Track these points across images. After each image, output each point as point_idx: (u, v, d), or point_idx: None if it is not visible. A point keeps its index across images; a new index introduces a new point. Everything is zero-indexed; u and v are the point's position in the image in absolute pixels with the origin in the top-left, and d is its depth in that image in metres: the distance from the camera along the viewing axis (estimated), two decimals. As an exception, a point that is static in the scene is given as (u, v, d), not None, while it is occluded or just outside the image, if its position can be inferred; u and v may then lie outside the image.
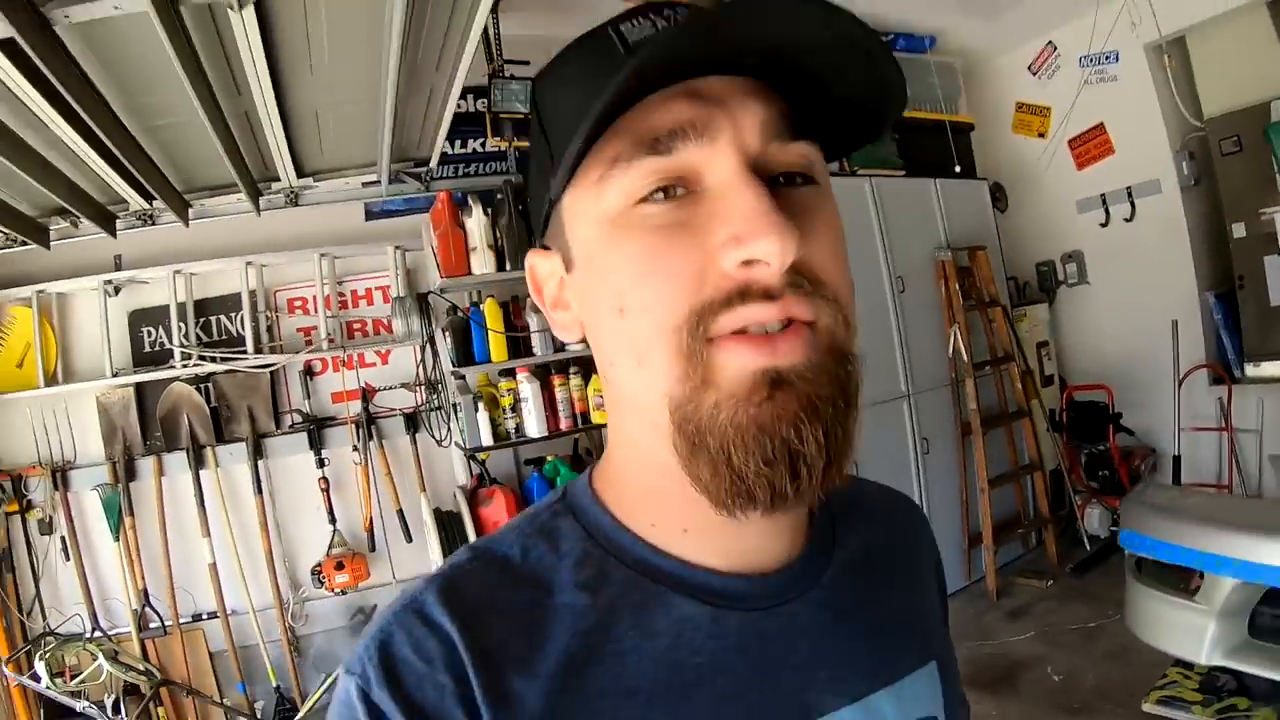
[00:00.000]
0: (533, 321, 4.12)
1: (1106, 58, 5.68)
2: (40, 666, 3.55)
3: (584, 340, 0.67)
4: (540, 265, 0.68)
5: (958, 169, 6.08)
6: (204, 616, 4.27)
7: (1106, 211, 6.09)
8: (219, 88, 2.51)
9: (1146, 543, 2.50)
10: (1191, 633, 2.33)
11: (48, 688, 3.55)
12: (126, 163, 2.83)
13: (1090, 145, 6.16)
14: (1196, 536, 2.30)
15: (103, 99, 2.36)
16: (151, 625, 4.14)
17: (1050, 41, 6.06)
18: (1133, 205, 5.93)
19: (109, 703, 3.79)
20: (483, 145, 4.61)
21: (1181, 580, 2.43)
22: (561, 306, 0.67)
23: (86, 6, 1.78)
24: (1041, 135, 6.06)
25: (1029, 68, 6.38)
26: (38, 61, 1.93)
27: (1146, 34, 5.40)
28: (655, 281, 0.55)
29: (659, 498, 0.64)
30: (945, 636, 0.80)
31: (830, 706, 0.64)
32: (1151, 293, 5.80)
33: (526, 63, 4.23)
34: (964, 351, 5.21)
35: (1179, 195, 5.68)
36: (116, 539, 4.10)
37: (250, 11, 1.88)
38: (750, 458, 0.53)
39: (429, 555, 4.30)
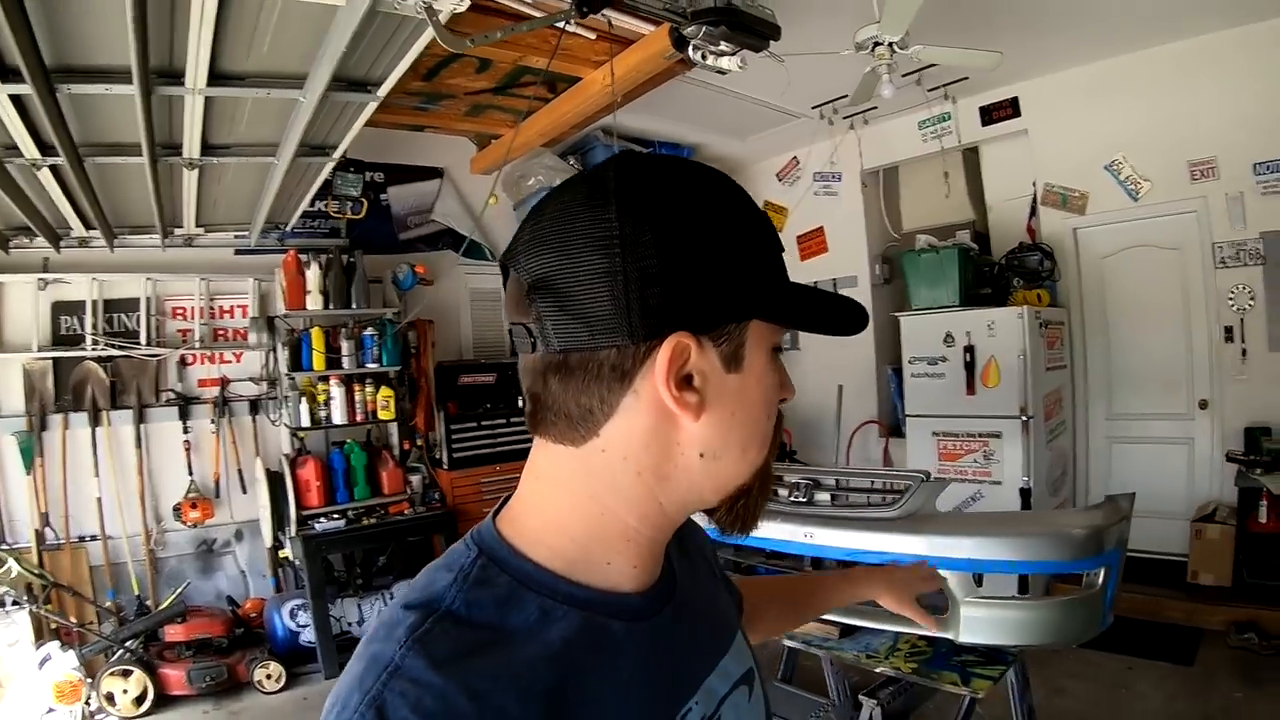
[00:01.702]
0: (344, 346, 6.20)
1: (833, 176, 7.53)
2: (-33, 560, 5.26)
3: (677, 418, 0.75)
4: (694, 352, 0.73)
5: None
6: (88, 539, 5.94)
7: (818, 296, 7.98)
8: (162, 147, 3.80)
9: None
10: None
11: (-27, 575, 5.25)
12: (82, 197, 4.44)
13: (812, 242, 8.14)
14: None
15: (74, 148, 3.67)
16: (48, 542, 5.79)
17: (794, 156, 7.96)
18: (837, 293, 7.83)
19: (12, 596, 5.33)
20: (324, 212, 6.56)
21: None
22: (689, 390, 0.74)
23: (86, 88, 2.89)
24: (779, 230, 7.79)
25: (777, 175, 8.31)
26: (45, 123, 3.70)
27: (868, 162, 7.32)
28: (777, 401, 0.84)
29: (602, 543, 0.79)
30: (735, 610, 1.10)
31: (705, 674, 0.87)
32: (843, 363, 7.74)
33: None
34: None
35: (870, 290, 7.68)
36: (28, 473, 5.76)
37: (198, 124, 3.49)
38: (766, 502, 0.87)
39: (258, 501, 6.17)
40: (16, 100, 3.01)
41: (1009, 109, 6.62)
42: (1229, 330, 5.79)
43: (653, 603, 0.83)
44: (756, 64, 4.63)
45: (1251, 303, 5.64)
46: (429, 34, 2.76)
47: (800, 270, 8.18)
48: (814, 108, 6.58)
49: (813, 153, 7.42)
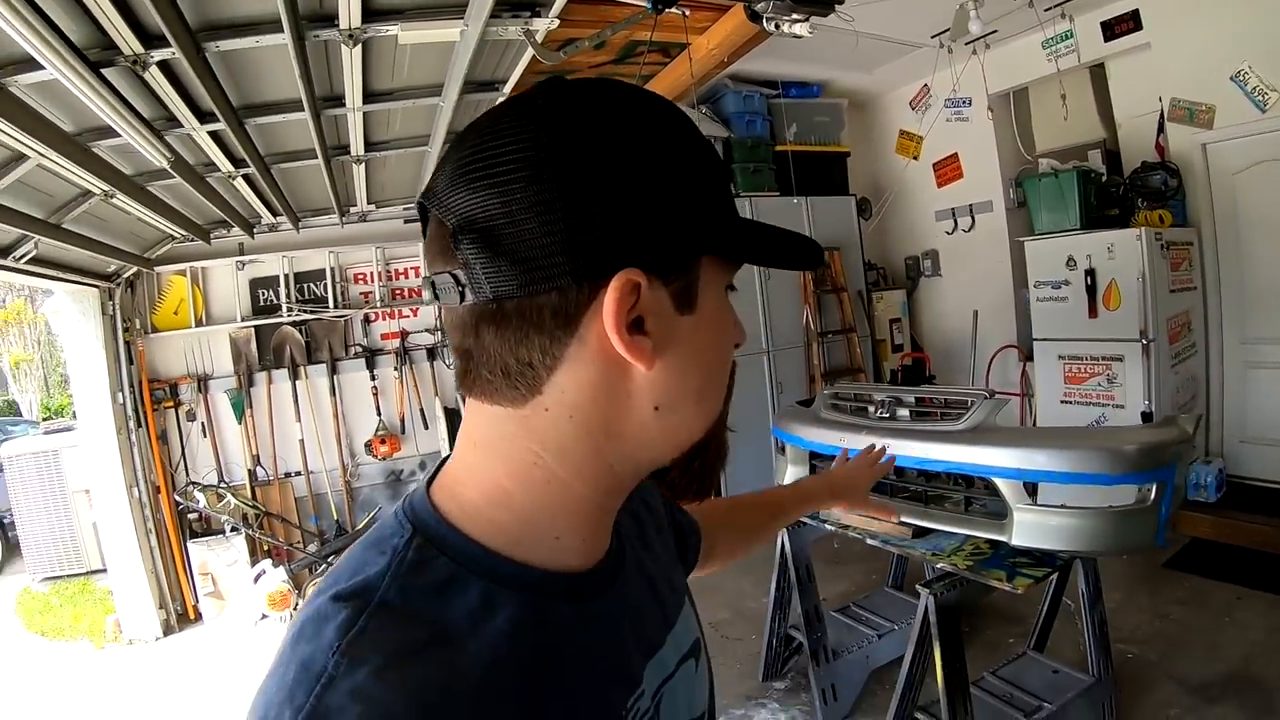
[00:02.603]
0: None
1: (963, 102, 7.60)
2: (199, 495, 6.38)
3: (620, 366, 0.69)
4: (645, 289, 0.67)
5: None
6: (293, 474, 7.09)
7: (955, 221, 8.29)
8: (332, 149, 4.52)
9: (777, 432, 4.69)
10: (784, 472, 4.43)
11: (205, 506, 6.39)
12: (270, 194, 5.33)
13: (947, 169, 8.29)
14: (791, 429, 4.45)
15: (261, 159, 4.51)
16: (259, 479, 6.95)
17: (925, 84, 8.07)
18: (973, 219, 8.13)
19: (231, 523, 6.54)
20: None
21: (781, 449, 4.53)
22: (638, 335, 0.68)
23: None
24: (915, 158, 8.09)
25: (909, 103, 8.47)
26: (230, 138, 4.52)
27: (993, 86, 7.32)
28: (733, 344, 0.79)
29: (548, 513, 0.73)
30: (683, 573, 1.05)
31: (655, 650, 0.84)
32: (981, 286, 8.01)
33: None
34: (812, 323, 7.68)
35: (1005, 214, 7.85)
36: (240, 423, 6.92)
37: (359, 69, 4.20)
38: (722, 466, 0.87)
39: (438, 435, 7.16)
40: (213, 133, 3.80)
41: (1130, 22, 6.48)
42: None
43: (602, 578, 0.80)
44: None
45: (1395, 215, 5.32)
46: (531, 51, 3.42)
47: (937, 197, 8.43)
48: (933, 36, 6.63)
49: (941, 80, 7.45)
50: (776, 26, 4.10)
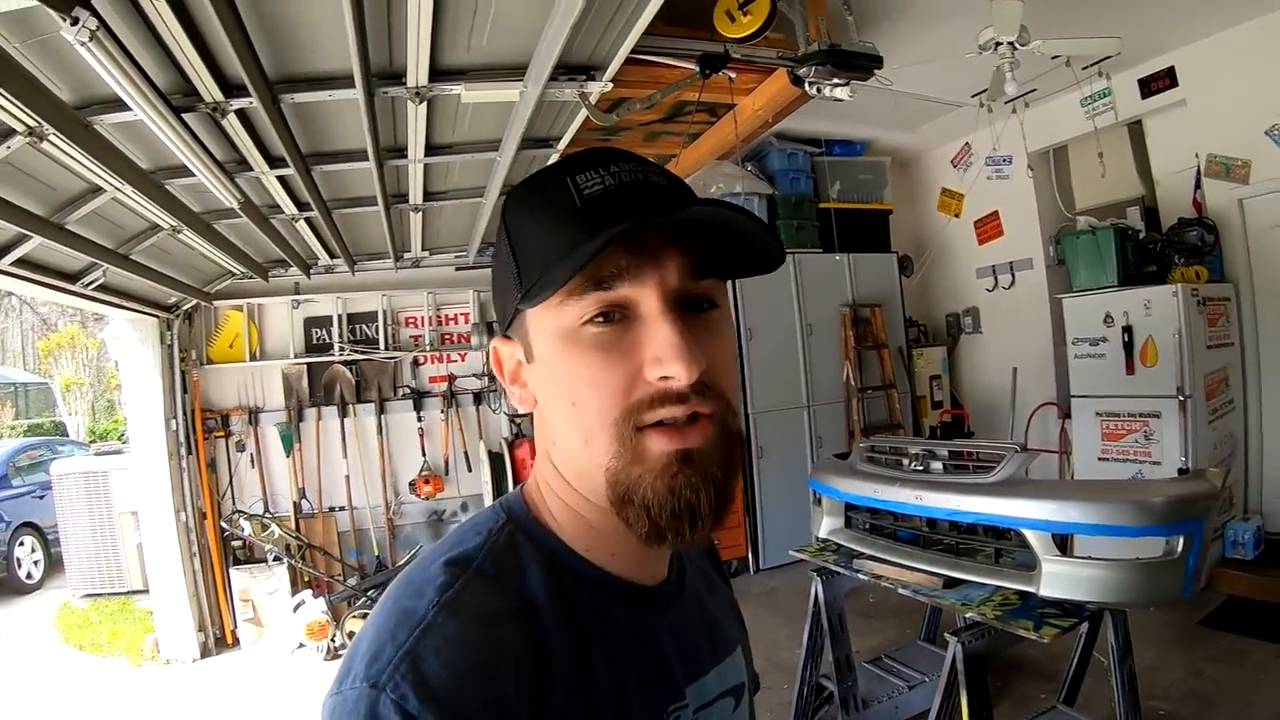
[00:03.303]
0: None
1: (1003, 160, 7.70)
2: (245, 523, 6.55)
3: (530, 412, 0.88)
4: (503, 349, 0.89)
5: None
6: (337, 509, 7.27)
7: (995, 279, 8.39)
8: (392, 197, 4.77)
9: (814, 484, 4.62)
10: (819, 523, 4.49)
11: (250, 534, 6.54)
12: (329, 237, 5.54)
13: (988, 226, 8.40)
14: (827, 480, 4.44)
15: (324, 203, 4.68)
16: (304, 511, 7.13)
17: (967, 142, 8.22)
18: (1013, 276, 8.22)
19: (274, 553, 6.65)
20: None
21: (818, 500, 4.57)
22: (518, 384, 0.87)
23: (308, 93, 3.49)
24: (957, 215, 8.10)
25: (951, 161, 8.61)
26: (297, 181, 4.72)
27: (1032, 144, 7.31)
28: (599, 386, 0.78)
29: (595, 530, 0.85)
30: (742, 627, 1.10)
31: (707, 670, 0.93)
32: (1021, 343, 8.08)
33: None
34: (853, 379, 7.78)
35: (1045, 271, 7.93)
36: (288, 456, 7.11)
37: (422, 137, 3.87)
38: (664, 512, 0.77)
39: (481, 478, 7.29)
40: (281, 178, 4.03)
41: (1166, 79, 6.61)
42: None
43: (661, 598, 0.91)
44: (915, 55, 5.19)
45: None
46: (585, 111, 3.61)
47: (978, 254, 8.56)
48: (973, 96, 6.66)
49: (982, 138, 7.50)
50: (819, 90, 4.26)
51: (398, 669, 0.69)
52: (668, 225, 0.78)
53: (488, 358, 1.26)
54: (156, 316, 6.42)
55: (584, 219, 0.78)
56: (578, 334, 0.79)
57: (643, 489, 0.77)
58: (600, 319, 0.78)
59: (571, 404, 0.81)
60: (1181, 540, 3.17)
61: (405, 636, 0.71)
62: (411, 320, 7.62)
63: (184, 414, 6.71)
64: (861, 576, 4.09)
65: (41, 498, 10.22)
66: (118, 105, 2.75)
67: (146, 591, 7.51)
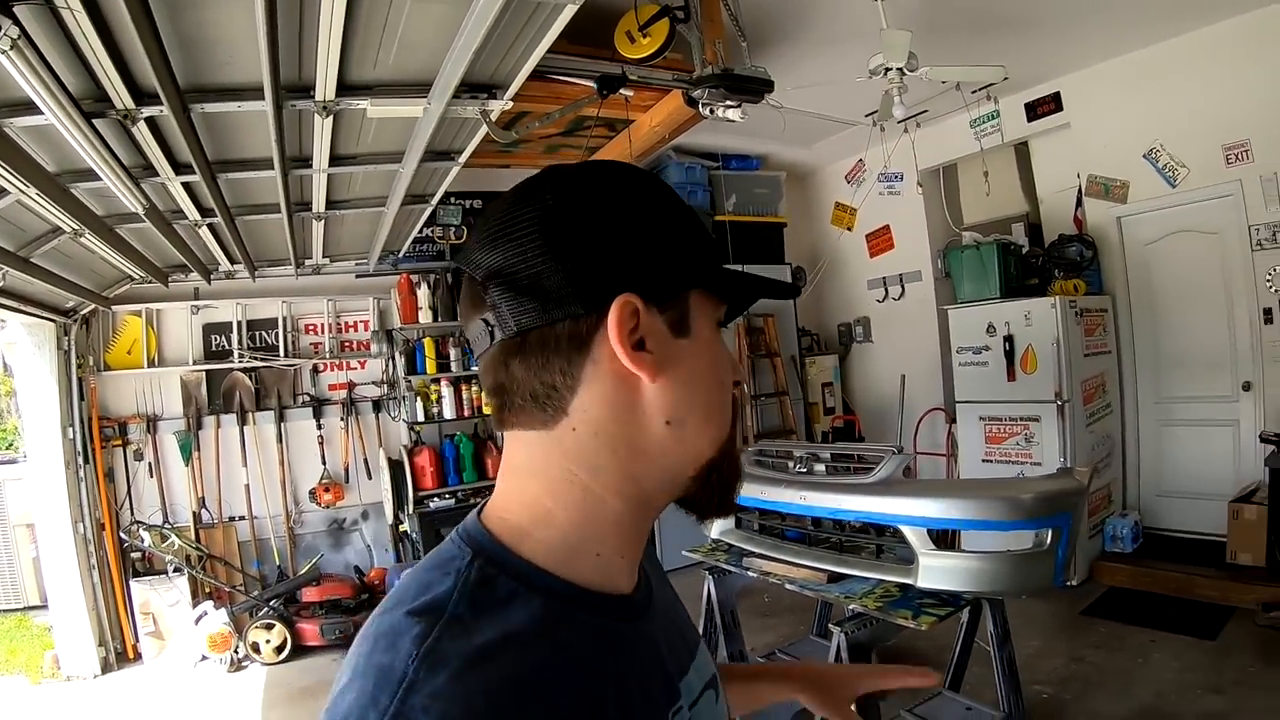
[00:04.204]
0: (452, 353, 7.32)
1: (895, 176, 7.97)
2: (144, 534, 6.48)
3: (636, 380, 0.80)
4: (644, 314, 0.80)
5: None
6: (237, 518, 7.23)
7: (886, 290, 8.78)
8: (295, 205, 4.80)
9: None
10: (711, 525, 4.56)
11: (150, 545, 6.48)
12: (231, 243, 5.56)
13: (880, 240, 8.79)
14: None
15: (228, 210, 4.71)
16: (204, 521, 7.08)
17: (861, 159, 8.57)
18: (903, 287, 8.61)
19: (174, 564, 6.59)
20: (430, 237, 7.55)
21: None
22: (647, 350, 0.80)
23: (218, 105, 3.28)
24: (850, 229, 8.43)
25: (845, 177, 8.97)
26: (201, 185, 4.77)
27: (923, 162, 7.76)
28: (730, 373, 0.90)
29: (589, 530, 0.83)
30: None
31: (686, 668, 0.92)
32: (910, 352, 8.42)
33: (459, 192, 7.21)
34: (745, 387, 7.92)
35: (934, 284, 8.31)
36: (186, 465, 7.06)
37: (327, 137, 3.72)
38: (738, 483, 0.92)
39: (382, 485, 7.36)
40: (186, 185, 4.09)
41: (1051, 104, 7.05)
42: (1268, 312, 6.04)
43: (642, 601, 0.89)
44: (809, 78, 5.41)
45: (1290, 284, 5.81)
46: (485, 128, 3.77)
47: (870, 266, 8.95)
48: (866, 115, 6.80)
49: (875, 155, 7.78)
50: (711, 111, 4.47)
51: None
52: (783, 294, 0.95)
53: (595, 309, 0.79)
54: (54, 321, 6.32)
55: (709, 238, 0.92)
56: (718, 330, 0.90)
57: (733, 457, 0.89)
58: (720, 325, 0.91)
59: (721, 382, 0.88)
60: (1050, 533, 3.44)
61: (389, 700, 0.65)
62: (312, 327, 7.65)
63: (81, 422, 6.59)
64: (751, 574, 4.30)
65: (-69, 513, 9.84)
66: (28, 109, 2.79)
67: (45, 606, 7.36)
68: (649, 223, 0.84)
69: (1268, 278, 6.03)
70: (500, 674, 0.68)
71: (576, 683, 0.73)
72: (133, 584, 6.66)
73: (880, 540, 3.88)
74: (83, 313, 6.58)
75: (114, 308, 6.83)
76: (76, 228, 4.23)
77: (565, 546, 0.81)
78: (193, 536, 6.92)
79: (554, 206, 0.80)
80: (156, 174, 3.83)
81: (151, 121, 3.22)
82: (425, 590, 0.76)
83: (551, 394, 0.80)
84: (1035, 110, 7.19)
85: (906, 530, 3.64)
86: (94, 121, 3.00)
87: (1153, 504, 6.92)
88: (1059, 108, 7.05)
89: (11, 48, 2.15)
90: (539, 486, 0.83)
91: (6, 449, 14.02)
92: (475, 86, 3.46)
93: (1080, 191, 7.03)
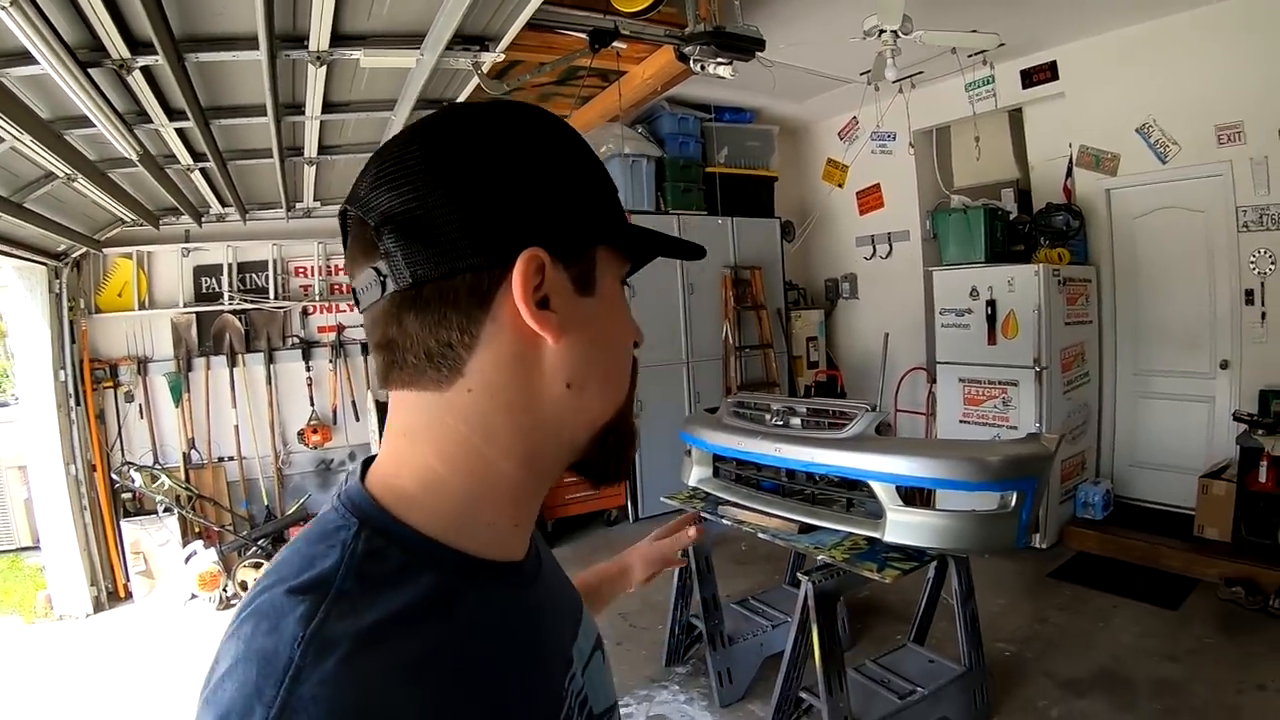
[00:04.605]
0: None
1: (888, 136, 7.97)
2: (135, 474, 6.63)
3: (539, 339, 0.76)
4: (550, 268, 0.75)
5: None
6: (227, 459, 7.36)
7: (874, 248, 8.88)
8: (287, 150, 4.81)
9: (684, 435, 4.95)
10: (690, 473, 4.82)
11: (141, 486, 6.62)
12: (223, 187, 5.63)
13: (870, 198, 8.86)
14: (696, 432, 4.81)
15: (220, 155, 4.78)
16: (193, 462, 7.21)
17: (854, 116, 8.62)
18: (891, 246, 8.70)
19: (164, 504, 6.76)
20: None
21: (688, 451, 4.89)
22: (550, 309, 0.75)
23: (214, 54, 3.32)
24: (840, 186, 8.55)
25: (838, 134, 9.03)
26: (193, 130, 4.83)
27: (916, 123, 7.76)
28: (630, 335, 0.88)
29: (483, 497, 0.78)
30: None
31: (577, 631, 0.94)
32: (895, 311, 8.55)
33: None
34: (731, 338, 8.18)
35: (921, 244, 8.41)
36: (177, 407, 7.17)
37: (321, 74, 3.54)
38: (633, 447, 0.89)
39: (369, 428, 7.49)
40: (179, 130, 4.15)
41: (1047, 72, 7.07)
42: (1250, 293, 6.14)
43: (533, 568, 0.87)
44: (803, 36, 5.41)
45: (1272, 267, 5.97)
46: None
47: (859, 224, 9.02)
48: (861, 74, 6.88)
49: (869, 114, 7.85)
50: (702, 68, 4.54)
51: None
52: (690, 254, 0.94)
53: (499, 263, 0.74)
54: (45, 265, 6.39)
55: (615, 193, 0.88)
56: (622, 288, 0.87)
57: (628, 420, 0.87)
58: (623, 284, 0.88)
59: (623, 343, 0.86)
60: (1015, 495, 3.55)
61: (275, 690, 0.60)
62: (301, 270, 7.72)
63: (72, 364, 6.68)
64: (725, 522, 4.43)
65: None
66: (24, 59, 2.83)
67: (36, 547, 7.54)
68: (558, 172, 0.80)
69: (1251, 259, 6.12)
70: (394, 655, 0.65)
71: (475, 660, 0.71)
72: (123, 524, 6.77)
73: (851, 494, 4.00)
74: (74, 256, 6.64)
75: (105, 250, 6.87)
76: (70, 173, 4.28)
77: (457, 515, 0.77)
78: (183, 477, 7.07)
79: (459, 147, 0.76)
80: (150, 120, 3.87)
81: (146, 71, 3.26)
82: (309, 565, 0.70)
83: (447, 352, 0.75)
84: (1031, 78, 7.21)
85: (876, 486, 3.75)
86: (90, 71, 3.04)
87: (1125, 473, 7.07)
88: (1054, 76, 7.08)
89: (11, 4, 2.22)
90: (429, 451, 0.78)
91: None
92: (468, 38, 3.50)
93: (1071, 161, 7.08)
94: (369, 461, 0.83)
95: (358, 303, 0.80)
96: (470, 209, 0.73)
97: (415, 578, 0.71)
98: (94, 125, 3.61)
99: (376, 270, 0.74)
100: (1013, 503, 3.55)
